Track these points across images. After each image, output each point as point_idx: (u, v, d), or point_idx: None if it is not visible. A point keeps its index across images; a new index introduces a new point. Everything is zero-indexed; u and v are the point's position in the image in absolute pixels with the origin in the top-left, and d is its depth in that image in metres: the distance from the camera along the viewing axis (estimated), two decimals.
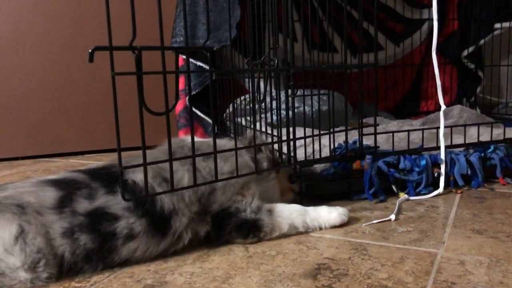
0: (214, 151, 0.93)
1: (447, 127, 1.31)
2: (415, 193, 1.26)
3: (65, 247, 0.80)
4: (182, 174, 0.93)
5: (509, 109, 2.29)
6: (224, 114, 1.81)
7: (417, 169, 1.26)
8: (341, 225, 1.04)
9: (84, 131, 2.17)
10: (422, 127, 1.75)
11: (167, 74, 0.85)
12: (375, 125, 1.25)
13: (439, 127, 1.30)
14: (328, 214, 1.03)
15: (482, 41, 2.29)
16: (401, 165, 1.25)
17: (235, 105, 1.69)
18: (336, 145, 1.29)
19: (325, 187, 1.22)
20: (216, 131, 1.86)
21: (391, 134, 1.34)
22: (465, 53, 2.33)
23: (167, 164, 0.87)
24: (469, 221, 1.05)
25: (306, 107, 1.64)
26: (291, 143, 1.15)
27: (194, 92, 1.81)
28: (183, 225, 0.90)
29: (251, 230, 0.95)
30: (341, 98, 1.81)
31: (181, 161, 0.94)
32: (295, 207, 1.02)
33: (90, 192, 0.86)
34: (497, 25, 2.24)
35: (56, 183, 0.87)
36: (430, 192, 1.26)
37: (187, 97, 1.81)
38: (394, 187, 1.26)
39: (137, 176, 0.89)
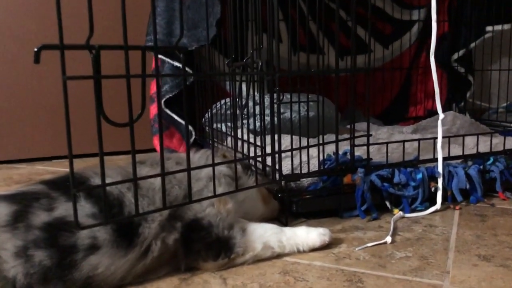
0: (188, 168, 0.80)
1: (444, 137, 1.20)
2: (410, 210, 1.15)
3: (18, 268, 0.68)
4: (153, 180, 0.82)
5: (499, 115, 2.21)
6: (203, 119, 1.68)
7: (412, 183, 1.15)
8: (324, 247, 0.93)
9: (52, 136, 2.01)
10: (415, 135, 1.65)
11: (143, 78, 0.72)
12: (368, 134, 1.14)
13: (435, 137, 1.19)
14: (306, 234, 0.92)
15: (472, 45, 2.21)
16: (396, 179, 1.14)
17: (215, 110, 1.56)
18: (325, 157, 1.17)
19: (312, 204, 1.10)
20: (194, 137, 1.74)
21: (382, 143, 1.23)
22: (455, 56, 2.24)
23: (137, 169, 0.76)
24: (473, 244, 0.95)
25: (293, 113, 1.52)
26: (276, 155, 1.03)
27: (171, 95, 1.68)
28: (153, 233, 0.78)
29: (223, 250, 0.83)
30: (329, 104, 1.70)
31: (153, 166, 0.87)
32: (269, 226, 0.91)
33: (50, 202, 0.74)
34: (489, 28, 2.17)
35: (9, 198, 0.75)
36: (426, 208, 1.15)
37: (163, 100, 1.67)
38: (388, 203, 1.15)
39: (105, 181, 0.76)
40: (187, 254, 0.82)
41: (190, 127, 1.71)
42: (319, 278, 0.81)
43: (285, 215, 1.06)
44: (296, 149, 1.04)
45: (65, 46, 0.64)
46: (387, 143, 1.18)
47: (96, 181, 0.77)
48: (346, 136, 1.14)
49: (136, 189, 0.74)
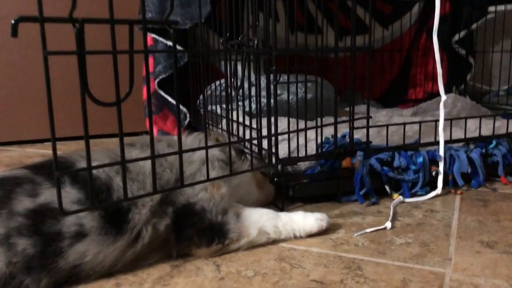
0: (180, 150, 0.76)
1: (446, 120, 1.16)
2: (410, 194, 1.12)
3: None
4: (143, 163, 0.78)
5: (500, 98, 2.17)
6: (198, 101, 1.64)
7: (413, 167, 1.12)
8: (321, 233, 0.90)
9: (43, 118, 1.96)
10: (415, 118, 1.61)
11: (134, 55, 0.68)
12: (368, 117, 1.10)
13: (437, 120, 1.15)
14: (303, 219, 0.89)
15: (474, 25, 2.16)
16: (396, 163, 1.11)
17: (209, 91, 1.52)
18: (323, 140, 1.14)
19: (310, 188, 1.06)
20: (188, 119, 1.69)
21: (382, 126, 1.19)
22: (456, 38, 2.19)
23: (126, 152, 0.72)
24: (475, 230, 0.92)
25: (290, 95, 1.48)
26: (272, 138, 0.99)
27: (164, 76, 1.63)
28: (143, 218, 0.74)
29: (216, 236, 0.80)
30: (327, 86, 1.65)
31: (143, 149, 0.82)
32: (265, 211, 0.87)
33: (34, 187, 0.70)
34: (491, 9, 2.11)
35: None
36: (427, 192, 1.12)
37: (156, 81, 1.62)
38: (387, 188, 1.12)
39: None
40: (179, 240, 0.78)
41: (184, 109, 1.66)
42: (316, 265, 0.78)
43: (281, 200, 1.02)
44: (293, 131, 1.01)
45: (45, 19, 0.60)
46: (387, 125, 1.14)
47: (83, 165, 0.73)
48: (345, 118, 1.10)
49: (125, 172, 0.70)
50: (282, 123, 1.31)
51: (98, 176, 0.73)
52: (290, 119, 1.39)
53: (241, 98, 1.38)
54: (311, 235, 0.89)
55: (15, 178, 0.71)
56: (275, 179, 1.03)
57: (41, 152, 1.78)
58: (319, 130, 1.06)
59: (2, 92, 1.93)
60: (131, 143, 0.83)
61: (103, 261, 0.71)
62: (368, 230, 0.92)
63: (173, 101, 1.65)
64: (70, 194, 0.69)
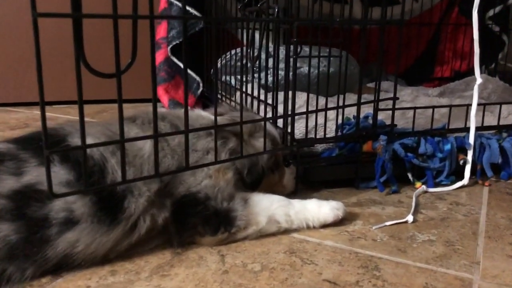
0: (186, 130, 0.68)
1: (479, 105, 1.07)
2: (434, 184, 1.03)
3: None
4: (143, 144, 0.70)
5: None
6: (211, 71, 1.55)
7: (439, 154, 1.03)
8: (336, 224, 0.83)
9: (52, 80, 1.89)
10: (441, 98, 1.51)
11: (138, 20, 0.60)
12: (394, 98, 1.01)
13: (469, 104, 1.06)
14: (318, 208, 0.81)
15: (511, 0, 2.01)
16: (421, 149, 1.02)
17: (224, 61, 1.43)
18: (344, 120, 1.05)
19: (326, 173, 0.99)
20: (202, 89, 1.61)
21: (409, 108, 1.10)
22: (491, 13, 2.05)
23: (125, 129, 0.65)
24: (507, 229, 0.84)
25: (311, 69, 1.38)
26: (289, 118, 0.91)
27: (178, 41, 1.54)
28: (140, 209, 0.68)
29: (222, 224, 0.73)
30: (351, 60, 1.55)
31: (143, 127, 0.73)
32: (276, 197, 0.80)
33: (18, 165, 0.63)
34: None
35: None
36: (452, 182, 1.04)
37: (169, 47, 1.54)
38: (409, 176, 1.03)
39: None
40: (182, 230, 0.72)
41: (198, 78, 1.58)
42: (329, 261, 0.71)
43: (296, 184, 0.95)
44: (312, 111, 0.92)
45: None
46: (414, 108, 1.05)
47: (75, 140, 0.66)
48: (367, 96, 1.01)
49: (124, 152, 0.63)
50: (300, 99, 1.23)
51: (92, 156, 0.65)
52: (310, 95, 1.30)
53: (258, 70, 1.30)
54: (325, 226, 0.82)
55: None
56: (290, 161, 0.95)
57: (48, 115, 1.72)
58: (341, 111, 0.97)
59: (11, 53, 1.86)
60: (130, 118, 0.75)
61: (96, 251, 0.65)
62: (388, 223, 0.85)
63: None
64: (59, 175, 0.62)
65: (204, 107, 1.55)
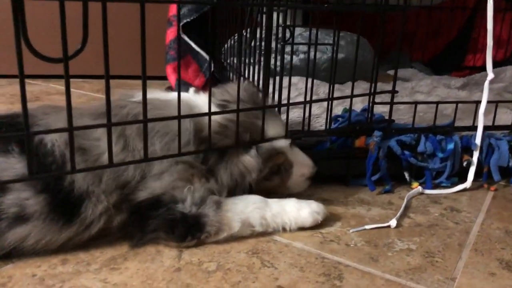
0: (144, 119, 0.65)
1: (490, 102, 0.98)
2: (433, 185, 0.97)
3: None
4: (104, 146, 0.66)
5: None
6: (222, 50, 1.51)
7: (440, 154, 0.96)
8: (314, 227, 0.78)
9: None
10: (461, 91, 1.41)
11: None
12: (393, 91, 0.93)
13: (478, 101, 0.97)
14: (297, 210, 0.76)
15: None
16: (420, 148, 0.95)
17: (233, 42, 1.38)
18: (342, 111, 0.99)
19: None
20: (212, 69, 1.57)
21: (408, 103, 1.02)
22: None
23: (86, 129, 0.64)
24: (498, 242, 0.77)
25: (318, 54, 1.32)
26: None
27: (189, 20, 1.50)
28: (96, 214, 0.66)
29: (190, 230, 0.69)
30: (363, 45, 1.47)
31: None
32: (254, 198, 0.75)
33: None
34: None
35: None
36: (453, 184, 0.97)
37: (180, 25, 1.50)
38: (406, 175, 0.97)
39: (49, 135, 0.64)
40: (141, 235, 0.68)
41: (208, 58, 1.54)
42: (291, 266, 0.67)
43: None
44: (300, 102, 0.87)
45: None
46: (415, 103, 0.97)
47: (40, 128, 0.64)
48: (382, 85, 0.93)
49: (73, 139, 0.60)
50: (299, 85, 1.17)
51: (52, 151, 0.63)
52: (318, 82, 1.24)
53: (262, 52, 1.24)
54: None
55: None
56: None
57: (62, 89, 1.74)
58: (330, 104, 0.91)
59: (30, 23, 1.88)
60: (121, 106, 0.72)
61: (48, 246, 0.64)
62: (368, 226, 0.79)
63: (197, 48, 1.53)
64: (16, 165, 0.61)
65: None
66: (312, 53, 0.91)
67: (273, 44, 1.01)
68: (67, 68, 0.58)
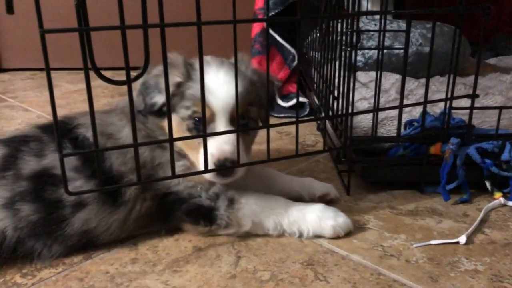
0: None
1: None
2: None
3: (6, 221, 0.68)
4: (127, 132, 0.74)
5: None
6: (305, 43, 1.50)
7: None
8: (376, 234, 0.76)
9: (101, 46, 2.00)
10: None
11: None
12: (474, 95, 0.87)
13: None
14: (319, 220, 0.76)
15: None
16: (505, 156, 0.88)
17: (314, 35, 1.37)
18: (419, 115, 0.95)
19: (386, 173, 0.91)
20: (295, 61, 1.57)
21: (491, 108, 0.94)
22: None
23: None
24: None
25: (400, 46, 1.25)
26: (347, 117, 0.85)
27: (274, 13, 1.51)
28: (133, 195, 0.74)
29: (203, 218, 0.76)
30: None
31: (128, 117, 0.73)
32: (273, 203, 0.78)
33: (40, 147, 0.73)
34: None
35: (1, 142, 0.75)
36: None
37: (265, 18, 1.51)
38: (488, 184, 0.90)
39: (89, 130, 0.72)
40: (168, 219, 0.77)
41: (293, 50, 1.54)
42: (344, 280, 0.67)
43: (347, 183, 0.90)
44: (369, 111, 0.84)
45: None
46: (500, 107, 0.89)
47: (81, 130, 0.74)
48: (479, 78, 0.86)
49: (137, 154, 0.66)
50: (387, 81, 1.13)
51: (90, 144, 0.72)
52: (391, 76, 1.19)
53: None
54: (355, 237, 0.77)
55: (24, 136, 0.74)
56: (342, 159, 0.90)
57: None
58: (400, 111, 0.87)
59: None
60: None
61: (108, 229, 0.73)
62: (434, 242, 0.76)
63: (282, 41, 1.54)
64: (69, 160, 0.69)
65: (300, 85, 1.52)
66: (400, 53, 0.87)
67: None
68: (130, 89, 0.63)
